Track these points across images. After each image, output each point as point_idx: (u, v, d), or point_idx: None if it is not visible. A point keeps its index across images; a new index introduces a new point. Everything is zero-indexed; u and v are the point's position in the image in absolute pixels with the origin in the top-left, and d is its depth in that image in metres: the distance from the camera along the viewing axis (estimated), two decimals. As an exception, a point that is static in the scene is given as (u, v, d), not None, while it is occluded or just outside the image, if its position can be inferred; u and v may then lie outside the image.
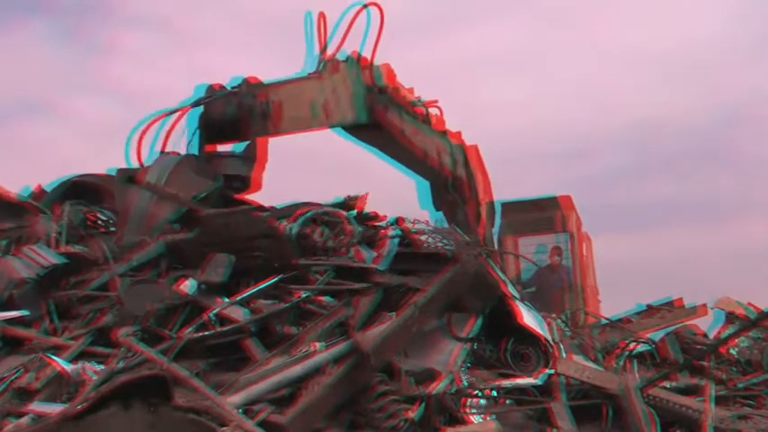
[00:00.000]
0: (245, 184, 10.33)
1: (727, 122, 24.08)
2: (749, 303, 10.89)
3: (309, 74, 10.81)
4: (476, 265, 8.02)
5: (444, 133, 11.36)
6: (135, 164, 10.06)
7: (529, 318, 8.24)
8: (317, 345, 6.97)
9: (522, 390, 7.87)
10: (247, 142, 10.61)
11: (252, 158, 10.42)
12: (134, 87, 23.27)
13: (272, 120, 10.38)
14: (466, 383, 7.66)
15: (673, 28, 23.42)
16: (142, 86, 23.64)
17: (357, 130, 11.04)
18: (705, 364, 9.21)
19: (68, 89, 24.33)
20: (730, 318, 10.79)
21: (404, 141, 10.93)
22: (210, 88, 10.61)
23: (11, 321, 7.73)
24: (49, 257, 8.33)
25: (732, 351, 9.91)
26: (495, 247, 11.78)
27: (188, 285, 7.76)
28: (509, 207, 12.91)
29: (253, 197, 10.36)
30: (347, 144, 11.23)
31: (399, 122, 10.79)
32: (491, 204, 12.19)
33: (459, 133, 12.02)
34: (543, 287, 11.91)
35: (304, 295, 7.64)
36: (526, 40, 22.88)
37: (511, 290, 8.36)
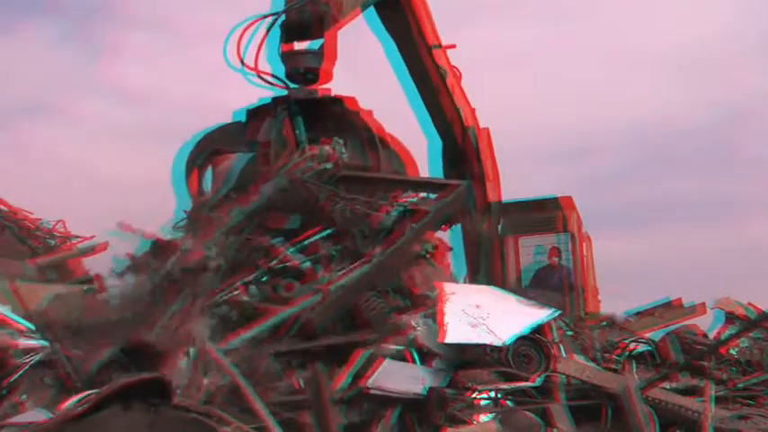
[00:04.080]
0: (316, 75, 11.38)
1: (729, 122, 24.04)
2: (749, 303, 10.90)
3: None
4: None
5: (458, 109, 12.24)
6: (236, 64, 11.27)
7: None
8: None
9: (522, 390, 7.89)
10: (321, 41, 11.61)
11: (323, 53, 11.45)
12: (138, 88, 23.23)
13: (334, 14, 11.43)
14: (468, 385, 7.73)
15: (674, 28, 23.37)
16: (146, 87, 23.62)
17: (384, 11, 12.00)
18: (705, 364, 9.21)
19: (72, 90, 24.31)
20: (730, 318, 10.80)
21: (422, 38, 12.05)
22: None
23: None
24: None
25: (732, 351, 9.91)
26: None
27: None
28: (510, 207, 12.92)
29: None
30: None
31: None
32: (497, 204, 12.45)
33: (473, 110, 12.38)
34: (543, 288, 11.92)
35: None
36: (527, 40, 22.84)
37: None
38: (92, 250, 13.05)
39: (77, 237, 13.58)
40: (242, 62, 11.32)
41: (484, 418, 7.48)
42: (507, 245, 12.78)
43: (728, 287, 11.50)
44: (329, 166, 10.65)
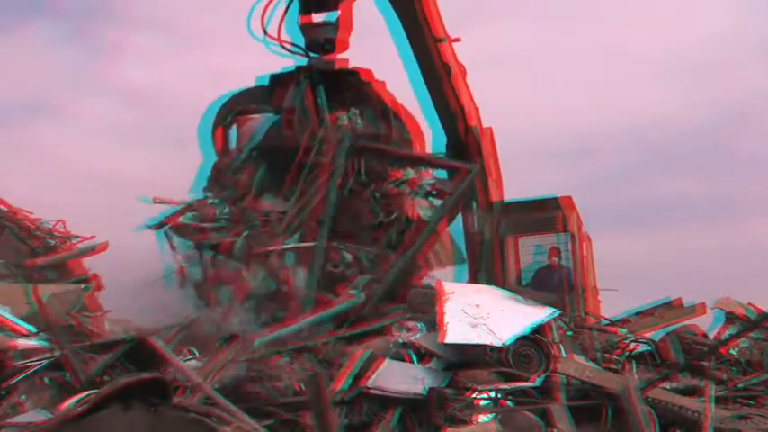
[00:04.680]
0: (332, 45, 12.18)
1: (729, 122, 24.04)
2: (749, 303, 10.88)
3: None
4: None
5: (462, 108, 12.56)
6: (259, 34, 12.11)
7: None
8: None
9: (522, 390, 7.89)
10: (338, 13, 12.40)
11: (338, 25, 12.29)
12: (139, 88, 23.24)
13: None
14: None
15: (674, 28, 23.35)
16: (147, 87, 23.63)
17: None
18: (705, 364, 9.20)
19: (72, 90, 24.28)
20: (730, 318, 10.78)
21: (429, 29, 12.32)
22: None
23: None
24: None
25: (732, 351, 9.90)
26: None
27: None
28: (510, 207, 12.92)
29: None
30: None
31: None
32: (499, 203, 12.52)
33: (477, 109, 12.51)
34: (543, 288, 11.92)
35: None
36: (527, 40, 22.85)
37: None
38: (92, 250, 13.08)
39: (77, 237, 13.59)
40: (265, 32, 12.13)
41: (484, 418, 7.47)
42: (507, 245, 12.77)
43: (728, 287, 11.50)
44: (346, 135, 11.55)
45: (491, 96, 13.30)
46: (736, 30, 24.17)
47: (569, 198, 12.90)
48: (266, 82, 12.39)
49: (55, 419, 5.93)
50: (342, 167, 11.30)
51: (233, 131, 12.39)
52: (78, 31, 25.72)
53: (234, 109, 12.36)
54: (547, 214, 12.79)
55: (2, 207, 13.64)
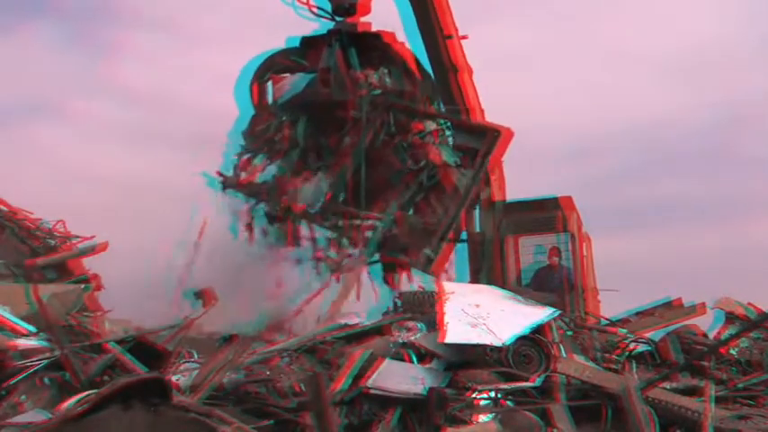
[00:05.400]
0: (355, 9, 12.80)
1: (729, 122, 24.00)
2: (749, 303, 10.89)
3: None
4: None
5: (468, 108, 13.01)
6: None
7: None
8: None
9: (522, 390, 7.89)
10: None
11: None
12: (139, 88, 23.19)
13: None
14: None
15: (674, 28, 23.33)
16: (147, 87, 23.59)
17: None
18: (705, 364, 9.20)
19: (73, 91, 24.21)
20: (730, 318, 10.79)
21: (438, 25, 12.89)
22: None
23: None
24: None
25: (732, 351, 9.90)
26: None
27: None
28: (510, 207, 12.95)
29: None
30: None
31: None
32: (501, 203, 12.56)
33: (483, 111, 12.64)
34: (543, 288, 11.93)
35: None
36: (527, 40, 22.82)
37: None
38: (92, 250, 13.09)
39: (77, 237, 13.59)
40: None
41: (484, 418, 7.48)
42: (507, 245, 12.78)
43: (728, 287, 11.49)
44: (377, 92, 12.39)
45: (491, 96, 13.34)
46: (736, 30, 24.16)
47: (569, 198, 12.92)
48: (296, 44, 13.07)
49: (55, 419, 5.94)
50: (368, 122, 12.18)
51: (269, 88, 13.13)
52: (79, 31, 25.67)
53: (273, 66, 13.03)
54: (547, 214, 12.81)
55: (2, 207, 13.64)
